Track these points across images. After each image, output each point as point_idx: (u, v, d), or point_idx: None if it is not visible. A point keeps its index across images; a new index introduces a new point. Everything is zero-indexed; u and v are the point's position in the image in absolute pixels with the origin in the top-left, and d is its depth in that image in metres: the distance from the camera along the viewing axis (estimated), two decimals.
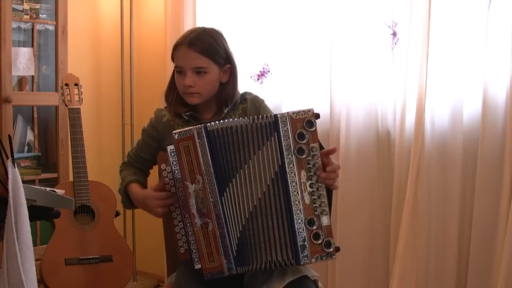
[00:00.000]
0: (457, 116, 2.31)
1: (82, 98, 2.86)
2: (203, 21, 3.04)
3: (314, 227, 1.53)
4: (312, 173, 1.54)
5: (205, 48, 1.78)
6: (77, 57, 3.29)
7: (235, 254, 1.55)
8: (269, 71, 2.87)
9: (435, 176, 2.36)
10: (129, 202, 1.87)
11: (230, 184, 1.55)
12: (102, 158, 3.48)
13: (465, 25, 2.27)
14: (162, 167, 1.70)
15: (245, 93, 1.93)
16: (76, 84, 2.87)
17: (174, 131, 1.60)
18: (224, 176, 1.55)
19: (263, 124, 1.55)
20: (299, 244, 1.52)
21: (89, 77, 3.38)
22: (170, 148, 1.61)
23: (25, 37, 3.05)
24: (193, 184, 1.56)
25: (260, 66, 2.88)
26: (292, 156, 1.53)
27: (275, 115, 1.55)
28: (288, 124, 1.53)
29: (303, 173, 1.54)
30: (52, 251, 2.68)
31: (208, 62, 1.79)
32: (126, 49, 3.46)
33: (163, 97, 1.93)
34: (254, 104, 1.89)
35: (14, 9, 2.90)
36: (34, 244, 2.45)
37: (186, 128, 1.59)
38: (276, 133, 1.53)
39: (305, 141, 1.53)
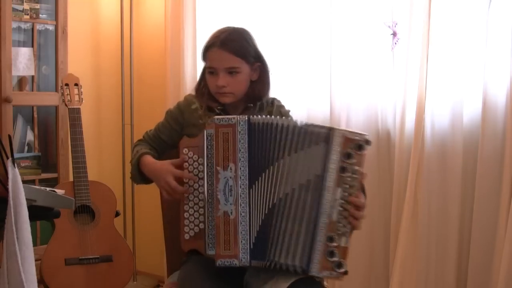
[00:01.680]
0: (457, 117, 2.31)
1: (82, 98, 2.86)
2: (203, 22, 3.05)
3: (332, 245, 1.54)
4: (347, 194, 1.55)
5: (237, 48, 1.79)
6: (77, 57, 3.29)
7: (251, 247, 1.56)
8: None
9: (435, 177, 2.36)
10: (139, 175, 1.84)
11: (260, 178, 1.58)
12: (102, 158, 3.48)
13: (465, 25, 2.27)
14: (184, 151, 1.67)
15: (274, 99, 1.94)
16: (76, 84, 2.87)
17: (215, 117, 1.62)
18: (256, 169, 1.58)
19: (314, 131, 1.57)
20: (313, 256, 1.54)
21: (89, 77, 3.38)
22: (208, 132, 1.61)
23: (25, 37, 3.05)
24: (225, 171, 1.58)
25: None
26: (334, 171, 1.55)
27: (332, 128, 1.58)
28: (341, 140, 1.55)
29: (339, 190, 1.55)
30: (52, 251, 2.68)
31: (241, 62, 1.80)
32: (126, 49, 3.46)
33: (193, 91, 1.92)
34: (280, 112, 1.90)
35: (14, 9, 2.91)
36: (34, 244, 2.45)
37: (228, 116, 1.61)
38: (326, 144, 1.56)
39: (350, 162, 1.55)
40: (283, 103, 1.97)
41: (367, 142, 1.57)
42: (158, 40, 3.41)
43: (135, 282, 3.41)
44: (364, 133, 1.58)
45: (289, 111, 1.94)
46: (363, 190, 1.63)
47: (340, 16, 2.55)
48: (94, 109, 3.46)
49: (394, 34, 2.47)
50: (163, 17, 3.29)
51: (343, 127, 2.56)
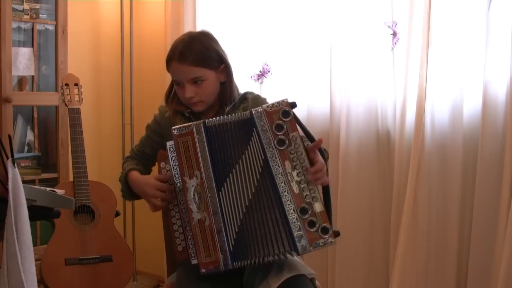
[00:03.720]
0: (457, 116, 2.31)
1: (82, 98, 2.86)
2: (203, 22, 3.05)
3: (308, 215, 1.52)
4: (296, 162, 1.54)
5: (196, 58, 1.78)
6: (77, 57, 3.29)
7: (231, 249, 1.55)
8: (269, 71, 2.87)
9: (435, 176, 2.36)
10: (128, 191, 1.87)
11: (228, 179, 1.57)
12: (102, 158, 3.48)
13: (465, 24, 2.27)
14: (161, 165, 1.72)
15: (246, 93, 1.93)
16: (76, 84, 2.87)
17: (173, 127, 1.62)
18: (222, 172, 1.57)
19: (243, 120, 1.58)
20: (295, 234, 1.51)
21: (89, 77, 3.39)
22: (169, 144, 1.63)
23: (25, 37, 3.05)
24: (191, 179, 1.58)
25: (260, 66, 2.88)
26: (273, 148, 1.54)
27: (250, 111, 1.58)
28: (264, 118, 1.56)
29: (287, 163, 1.54)
30: (52, 251, 2.68)
31: (203, 70, 1.80)
32: (126, 49, 3.46)
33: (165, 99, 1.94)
34: (256, 103, 1.89)
35: (14, 9, 2.91)
36: (34, 244, 2.45)
37: (185, 124, 1.62)
38: (254, 128, 1.56)
39: (283, 132, 1.55)
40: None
41: (291, 105, 1.56)
42: (158, 40, 3.41)
43: (135, 282, 3.41)
44: (283, 98, 1.57)
45: (265, 99, 1.94)
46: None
47: (340, 16, 2.55)
48: (94, 109, 3.46)
49: (394, 34, 2.47)
50: (163, 17, 3.29)
51: (343, 126, 2.57)
